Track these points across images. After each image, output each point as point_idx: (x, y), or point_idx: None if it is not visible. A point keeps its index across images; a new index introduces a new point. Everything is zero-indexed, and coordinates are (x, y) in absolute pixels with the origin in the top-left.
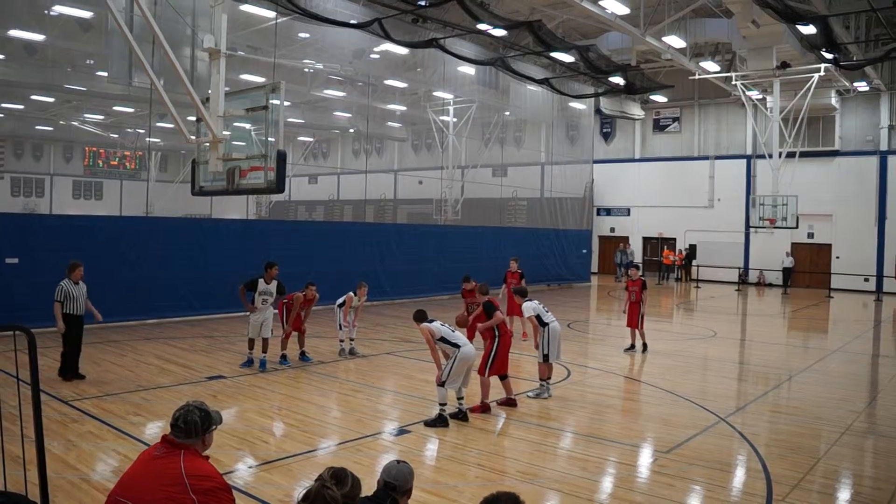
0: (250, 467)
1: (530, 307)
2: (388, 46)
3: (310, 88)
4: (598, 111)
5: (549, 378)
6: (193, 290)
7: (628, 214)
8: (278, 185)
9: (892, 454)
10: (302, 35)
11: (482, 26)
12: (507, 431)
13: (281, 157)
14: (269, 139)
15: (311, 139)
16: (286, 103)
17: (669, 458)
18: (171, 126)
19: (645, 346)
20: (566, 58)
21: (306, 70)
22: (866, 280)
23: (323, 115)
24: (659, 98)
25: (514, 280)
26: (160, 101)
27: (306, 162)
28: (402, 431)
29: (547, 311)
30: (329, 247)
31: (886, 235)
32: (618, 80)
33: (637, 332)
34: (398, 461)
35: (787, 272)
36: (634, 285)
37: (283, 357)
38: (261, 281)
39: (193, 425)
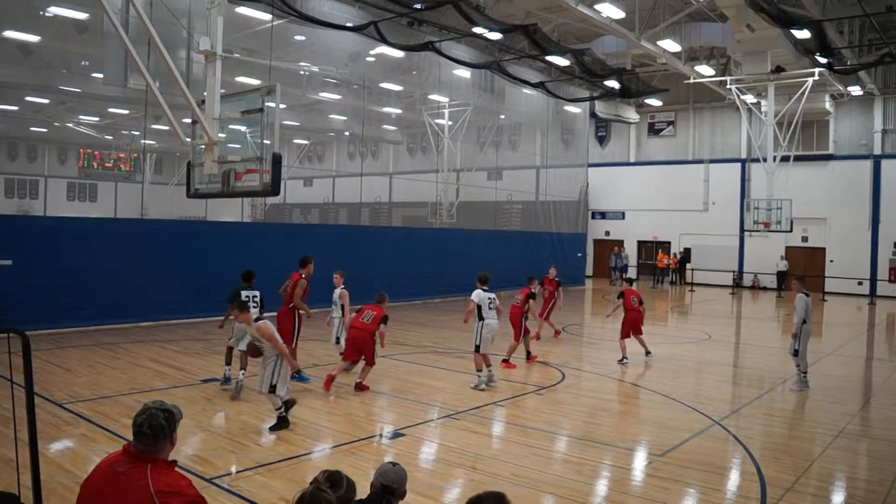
0: (244, 470)
1: (476, 295)
2: (384, 49)
3: (305, 91)
4: (593, 115)
5: (483, 368)
6: (188, 293)
7: (623, 218)
8: (273, 188)
9: (885, 457)
10: (298, 38)
11: (478, 30)
12: (501, 434)
13: (276, 160)
14: (265, 142)
15: (306, 142)
16: (281, 106)
17: (664, 462)
18: (166, 128)
19: (624, 358)
20: (561, 61)
21: (302, 73)
22: (860, 283)
23: (318, 117)
24: (654, 102)
25: (550, 286)
26: (156, 103)
27: (301, 165)
28: (396, 434)
29: (491, 308)
30: (324, 250)
31: (880, 239)
32: (613, 83)
33: (636, 340)
34: (393, 464)
35: (781, 275)
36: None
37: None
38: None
39: (160, 429)
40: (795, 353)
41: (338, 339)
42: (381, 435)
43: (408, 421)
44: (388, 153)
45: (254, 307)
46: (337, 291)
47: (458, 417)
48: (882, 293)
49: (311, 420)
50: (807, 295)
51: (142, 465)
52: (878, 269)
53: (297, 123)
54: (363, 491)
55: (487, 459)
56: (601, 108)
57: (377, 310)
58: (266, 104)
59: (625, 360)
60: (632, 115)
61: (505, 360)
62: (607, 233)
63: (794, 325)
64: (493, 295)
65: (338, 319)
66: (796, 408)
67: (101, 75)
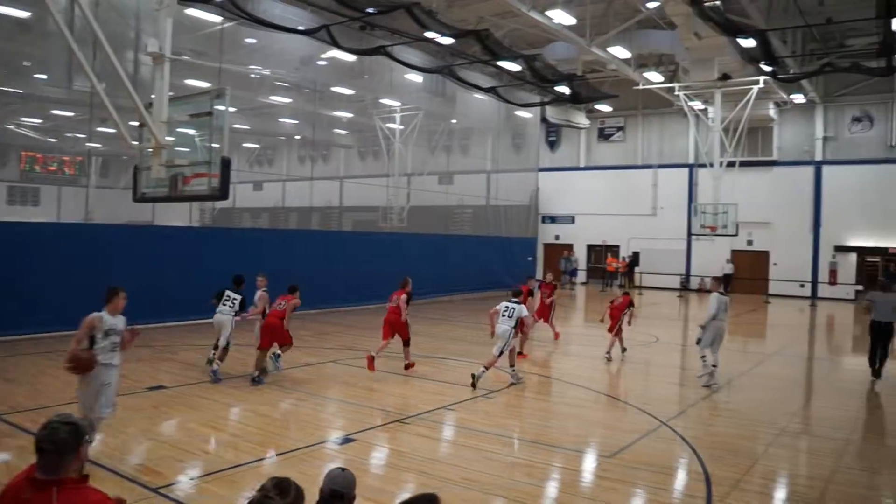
0: (192, 479)
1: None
2: (336, 53)
3: (256, 95)
4: (543, 120)
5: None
6: (136, 298)
7: (573, 222)
8: (222, 192)
9: (824, 453)
10: (248, 41)
11: (430, 34)
12: (451, 438)
13: (225, 164)
14: (214, 145)
15: (256, 146)
16: (231, 109)
17: (613, 463)
18: (112, 131)
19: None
20: (513, 67)
21: (252, 76)
22: (802, 286)
23: (269, 121)
24: (604, 107)
25: (547, 290)
26: (101, 105)
27: (251, 169)
28: (346, 440)
29: (503, 316)
30: (274, 254)
31: (821, 243)
32: (563, 89)
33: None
34: (342, 469)
35: (727, 278)
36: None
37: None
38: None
39: (63, 444)
40: (698, 342)
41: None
42: (331, 440)
43: (358, 426)
44: (338, 157)
45: (230, 306)
46: (258, 293)
47: (408, 422)
48: (822, 295)
49: (260, 427)
50: (722, 294)
51: (46, 489)
52: (819, 272)
53: (247, 127)
54: (312, 497)
55: (438, 464)
56: (552, 113)
57: (402, 293)
58: (215, 107)
59: (623, 351)
60: (582, 120)
61: (519, 353)
62: (557, 237)
63: (704, 318)
64: (511, 305)
65: (258, 320)
66: (741, 407)
67: (44, 76)
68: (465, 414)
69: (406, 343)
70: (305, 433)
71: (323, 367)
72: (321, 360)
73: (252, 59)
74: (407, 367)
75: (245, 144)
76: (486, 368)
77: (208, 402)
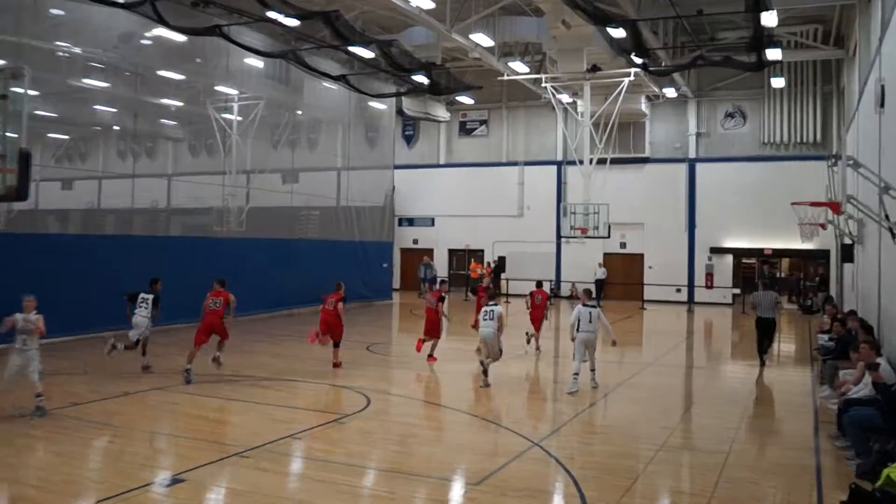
0: None
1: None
2: (162, 32)
3: (65, 77)
4: (399, 112)
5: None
6: None
7: (433, 224)
8: (20, 191)
9: (706, 468)
10: (54, 12)
11: (272, 14)
12: (299, 472)
13: (24, 157)
14: (10, 135)
15: (65, 137)
16: (32, 93)
17: (481, 490)
18: None
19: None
20: (366, 53)
21: (60, 54)
22: (678, 290)
23: (81, 108)
24: (465, 99)
25: (483, 294)
26: None
27: (58, 164)
28: (175, 481)
29: (484, 319)
30: (87, 264)
31: (696, 244)
32: (421, 78)
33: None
34: None
35: (599, 284)
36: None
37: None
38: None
39: None
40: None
41: (40, 372)
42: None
43: (189, 463)
44: (166, 152)
45: (144, 307)
46: (32, 316)
47: (248, 455)
48: (700, 299)
49: (69, 472)
50: (588, 305)
51: None
52: (695, 276)
53: (54, 115)
54: None
55: (282, 501)
56: (409, 105)
57: (336, 296)
58: (11, 90)
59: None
60: (442, 113)
61: (430, 356)
62: (416, 241)
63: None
64: (490, 309)
65: (34, 351)
66: (617, 423)
67: None
68: (314, 443)
69: (335, 345)
70: (124, 476)
71: (145, 395)
72: (142, 388)
73: (59, 34)
74: (336, 365)
75: (51, 135)
76: (494, 360)
77: (1, 447)
